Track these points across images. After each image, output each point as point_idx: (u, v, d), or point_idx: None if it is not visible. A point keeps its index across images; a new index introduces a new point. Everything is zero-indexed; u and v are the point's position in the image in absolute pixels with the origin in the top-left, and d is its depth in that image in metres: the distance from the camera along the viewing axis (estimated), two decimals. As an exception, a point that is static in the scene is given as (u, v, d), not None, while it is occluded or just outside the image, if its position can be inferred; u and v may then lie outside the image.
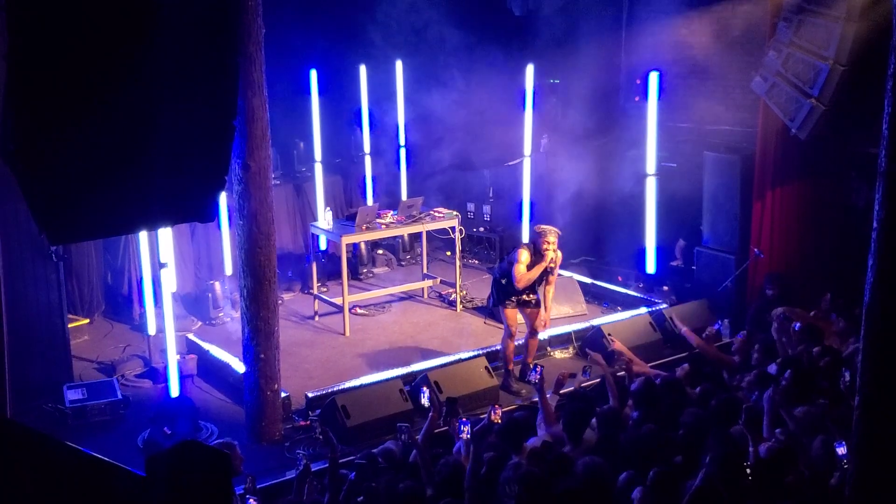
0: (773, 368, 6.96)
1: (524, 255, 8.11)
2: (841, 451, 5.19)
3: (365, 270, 11.50)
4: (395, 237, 11.54)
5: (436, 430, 6.32)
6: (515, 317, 8.35)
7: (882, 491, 4.33)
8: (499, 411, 5.77)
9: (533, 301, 8.34)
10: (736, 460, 5.10)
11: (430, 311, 10.47)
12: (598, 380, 7.21)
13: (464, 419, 5.82)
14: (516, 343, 8.46)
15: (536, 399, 6.74)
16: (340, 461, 6.04)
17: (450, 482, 5.36)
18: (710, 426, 5.73)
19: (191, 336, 9.17)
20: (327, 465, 5.87)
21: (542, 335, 8.76)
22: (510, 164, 11.90)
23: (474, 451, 5.47)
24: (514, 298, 8.26)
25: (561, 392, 6.91)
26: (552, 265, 8.21)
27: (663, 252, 10.74)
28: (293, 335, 9.51)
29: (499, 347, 8.64)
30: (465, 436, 5.69)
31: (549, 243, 8.07)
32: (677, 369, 7.36)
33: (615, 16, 11.44)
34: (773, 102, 8.68)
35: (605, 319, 9.57)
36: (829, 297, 8.43)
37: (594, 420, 6.05)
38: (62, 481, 1.28)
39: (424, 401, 6.45)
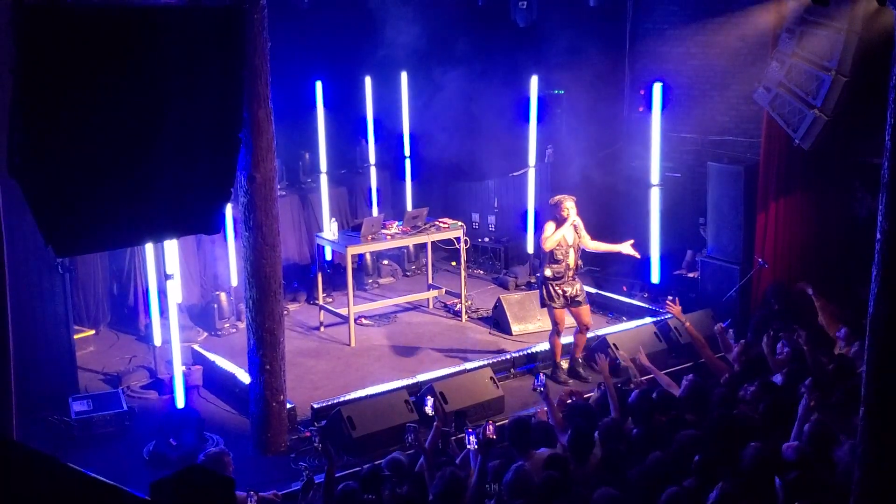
0: (778, 378, 6.96)
1: (550, 227, 8.51)
2: None
3: (370, 281, 11.52)
4: (400, 248, 11.56)
5: (440, 439, 6.34)
6: (563, 316, 8.68)
7: (887, 500, 4.33)
8: (491, 427, 5.76)
9: (581, 299, 8.61)
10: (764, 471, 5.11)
11: (436, 321, 10.48)
12: (601, 391, 7.23)
13: (470, 430, 5.82)
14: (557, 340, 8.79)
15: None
16: (345, 472, 6.03)
17: (447, 494, 5.35)
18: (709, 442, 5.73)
19: (196, 347, 9.17)
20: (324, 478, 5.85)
21: (564, 339, 8.89)
22: (515, 174, 11.93)
23: (480, 462, 5.48)
24: (560, 297, 8.54)
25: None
26: (575, 224, 8.52)
27: (668, 262, 10.75)
28: (299, 346, 9.53)
29: (509, 356, 9.00)
30: (472, 446, 5.70)
31: (567, 209, 8.46)
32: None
33: (619, 27, 11.47)
34: (777, 113, 8.70)
35: (610, 329, 9.57)
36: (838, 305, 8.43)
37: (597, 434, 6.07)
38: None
39: (428, 409, 6.46)
